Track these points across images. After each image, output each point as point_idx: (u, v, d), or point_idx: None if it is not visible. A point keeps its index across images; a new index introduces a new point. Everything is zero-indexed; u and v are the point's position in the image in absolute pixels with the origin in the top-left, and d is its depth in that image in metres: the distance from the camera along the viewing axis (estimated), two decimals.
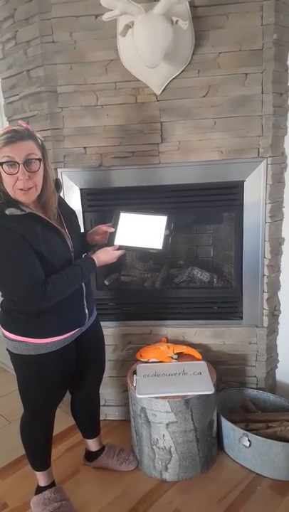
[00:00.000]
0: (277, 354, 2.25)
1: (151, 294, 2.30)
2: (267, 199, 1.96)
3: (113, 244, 1.58)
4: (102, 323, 1.83)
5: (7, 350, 1.56)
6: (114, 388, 2.24)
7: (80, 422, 1.94)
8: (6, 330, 1.52)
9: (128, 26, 1.64)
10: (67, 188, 2.01)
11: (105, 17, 1.63)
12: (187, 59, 1.81)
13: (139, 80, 1.86)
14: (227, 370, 2.16)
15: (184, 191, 1.99)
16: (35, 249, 1.38)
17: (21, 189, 1.36)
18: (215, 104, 1.86)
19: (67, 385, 1.71)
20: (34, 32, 1.87)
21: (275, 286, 2.14)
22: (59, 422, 1.82)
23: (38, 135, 1.42)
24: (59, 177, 1.98)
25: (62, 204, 1.61)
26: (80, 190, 2.04)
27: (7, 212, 1.35)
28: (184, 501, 1.77)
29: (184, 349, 2.05)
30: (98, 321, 1.78)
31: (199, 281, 2.34)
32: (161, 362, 2.01)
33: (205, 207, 2.07)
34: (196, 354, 2.04)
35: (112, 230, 1.61)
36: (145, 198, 2.02)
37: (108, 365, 2.00)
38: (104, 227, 1.65)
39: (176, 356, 2.03)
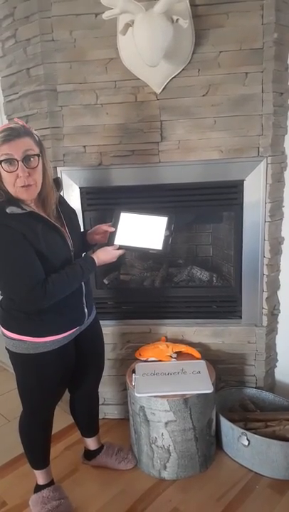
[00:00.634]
0: (277, 353, 2.26)
1: (150, 293, 2.30)
2: (267, 198, 1.96)
3: (113, 244, 1.58)
4: (102, 322, 1.83)
5: (6, 348, 1.56)
6: (113, 387, 2.25)
7: (78, 421, 1.95)
8: (5, 328, 1.52)
9: (128, 25, 1.63)
10: (67, 186, 2.01)
11: (105, 15, 1.63)
12: (187, 58, 1.80)
13: (139, 79, 1.86)
14: (226, 369, 2.16)
15: (183, 190, 1.99)
16: (35, 248, 1.38)
17: (22, 186, 1.36)
18: (215, 103, 1.86)
19: (67, 384, 1.71)
20: (34, 30, 1.87)
21: (274, 286, 2.14)
22: (58, 421, 1.82)
23: (34, 132, 1.42)
24: (58, 176, 1.98)
25: (63, 203, 1.61)
26: (80, 189, 2.03)
27: (8, 210, 1.35)
28: (183, 500, 1.77)
29: (183, 348, 2.05)
30: (97, 320, 1.78)
31: (199, 281, 2.34)
32: (160, 361, 2.01)
33: (205, 206, 2.07)
34: (195, 353, 2.04)
35: (113, 229, 1.61)
36: (145, 197, 2.02)
37: (107, 363, 2.00)
38: (104, 227, 1.65)
39: (175, 355, 2.03)
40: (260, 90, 1.83)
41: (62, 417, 2.08)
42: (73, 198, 2.03)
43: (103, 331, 1.83)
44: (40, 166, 1.40)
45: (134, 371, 1.96)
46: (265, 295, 2.08)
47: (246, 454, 1.88)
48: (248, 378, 2.19)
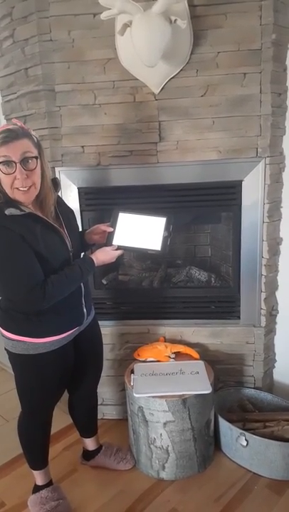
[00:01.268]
0: (275, 354, 2.26)
1: (149, 294, 2.29)
2: (265, 199, 1.96)
3: (112, 244, 1.58)
4: (100, 323, 1.83)
5: (5, 349, 1.56)
6: (111, 387, 2.25)
7: (77, 421, 1.95)
8: (4, 329, 1.52)
9: (126, 25, 1.63)
10: (65, 187, 2.01)
11: (103, 16, 1.62)
12: (185, 58, 1.80)
13: (137, 79, 1.86)
14: (224, 369, 2.16)
15: (181, 191, 1.99)
16: (34, 250, 1.37)
17: (20, 189, 1.36)
18: (213, 103, 1.86)
19: (66, 385, 1.71)
20: (32, 30, 1.87)
21: (272, 286, 2.14)
22: (56, 421, 1.82)
23: (33, 133, 1.42)
24: (57, 176, 1.98)
25: (61, 203, 1.61)
26: (78, 189, 2.03)
27: (6, 212, 1.34)
28: (181, 500, 1.78)
29: (181, 348, 2.05)
30: (96, 320, 1.78)
31: (197, 281, 2.34)
32: (158, 361, 2.01)
33: (203, 206, 2.07)
34: (194, 353, 2.04)
35: (111, 229, 1.60)
36: (143, 197, 2.02)
37: (106, 364, 1.99)
38: (102, 227, 1.64)
39: (173, 355, 2.03)
40: (259, 91, 1.83)
41: (61, 418, 2.08)
42: (71, 198, 2.03)
43: (102, 332, 1.83)
44: (38, 168, 1.39)
45: (132, 371, 1.96)
46: (263, 295, 2.08)
47: (245, 455, 1.89)
48: (247, 379, 2.20)
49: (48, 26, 1.84)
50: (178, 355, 2.05)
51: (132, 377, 1.91)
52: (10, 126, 1.35)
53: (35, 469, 1.76)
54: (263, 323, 2.11)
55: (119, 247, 1.58)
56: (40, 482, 1.76)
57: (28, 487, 1.80)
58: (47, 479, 1.78)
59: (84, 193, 2.05)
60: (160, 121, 1.91)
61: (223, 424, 1.95)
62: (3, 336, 1.53)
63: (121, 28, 1.64)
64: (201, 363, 1.98)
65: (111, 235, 1.60)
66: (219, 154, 1.91)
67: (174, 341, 2.13)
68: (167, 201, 2.02)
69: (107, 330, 2.14)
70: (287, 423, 1.92)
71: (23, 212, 1.38)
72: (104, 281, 2.34)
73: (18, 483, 1.91)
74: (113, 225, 1.61)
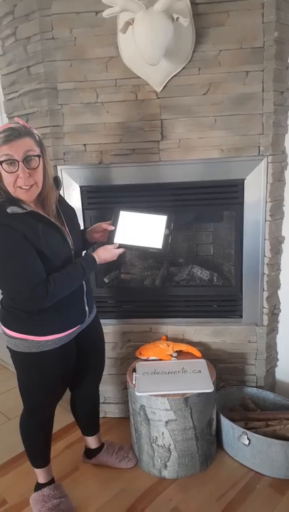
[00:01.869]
0: (277, 353, 2.26)
1: (151, 292, 2.29)
2: (267, 197, 1.95)
3: (113, 243, 1.58)
4: (102, 321, 1.83)
5: (7, 347, 1.56)
6: (113, 386, 2.25)
7: (79, 420, 1.95)
8: (6, 328, 1.52)
9: (128, 23, 1.63)
10: (67, 185, 2.01)
11: (106, 14, 1.62)
12: (188, 56, 1.80)
13: (139, 77, 1.85)
14: (227, 368, 2.16)
15: (184, 189, 1.99)
16: (36, 248, 1.37)
17: (22, 187, 1.36)
18: (215, 102, 1.86)
19: (68, 383, 1.71)
20: (34, 28, 1.87)
21: (275, 285, 2.13)
22: (58, 419, 1.83)
23: (35, 131, 1.42)
24: (59, 174, 1.98)
25: (62, 202, 1.61)
26: (80, 187, 2.03)
27: (9, 210, 1.34)
28: (183, 499, 1.78)
29: (183, 347, 2.05)
30: (98, 319, 1.78)
31: (199, 280, 2.33)
32: (160, 360, 2.02)
33: (205, 205, 2.06)
34: (196, 352, 2.04)
35: (112, 228, 1.60)
36: (145, 196, 2.02)
37: (108, 362, 2.00)
38: (103, 225, 1.64)
39: (175, 354, 2.04)
40: (261, 89, 1.82)
41: (62, 416, 2.08)
42: (73, 196, 2.03)
43: (104, 330, 1.83)
44: (40, 167, 1.39)
45: (134, 370, 1.96)
46: (265, 294, 2.08)
47: (247, 454, 1.88)
48: (249, 377, 2.19)
49: (50, 24, 1.84)
50: (180, 354, 2.05)
51: (133, 375, 1.91)
52: (12, 125, 1.35)
53: (37, 467, 1.76)
54: (265, 322, 2.11)
55: (120, 246, 1.58)
56: (42, 480, 1.77)
57: (30, 485, 1.81)
58: (49, 477, 1.78)
59: (86, 192, 2.05)
60: (162, 119, 1.91)
61: (225, 423, 1.94)
62: (6, 334, 1.53)
63: (123, 26, 1.64)
64: (203, 361, 1.98)
65: (112, 233, 1.60)
66: (221, 153, 1.91)
67: (176, 340, 2.13)
68: (169, 200, 2.02)
69: (109, 328, 2.14)
70: None
71: (25, 211, 1.38)
72: (106, 280, 2.34)
73: (20, 481, 1.92)
74: (114, 224, 1.60)
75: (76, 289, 1.52)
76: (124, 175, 1.99)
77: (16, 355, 1.55)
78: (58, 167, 1.99)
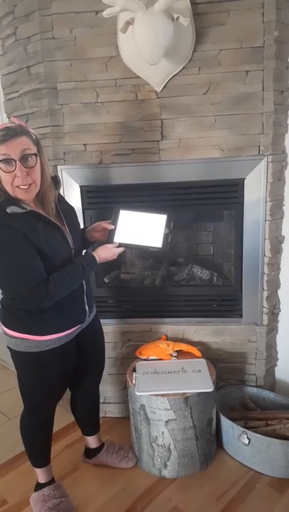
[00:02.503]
0: (277, 352, 2.26)
1: (151, 292, 2.29)
2: (267, 197, 1.95)
3: (113, 242, 1.58)
4: (102, 321, 1.83)
5: (7, 347, 1.56)
6: (113, 385, 2.25)
7: (79, 419, 1.95)
8: (6, 327, 1.52)
9: (128, 23, 1.63)
10: (67, 185, 2.01)
11: (106, 13, 1.62)
12: (188, 56, 1.80)
13: (139, 77, 1.85)
14: (226, 367, 2.16)
15: (184, 189, 1.99)
16: (36, 247, 1.38)
17: (21, 187, 1.36)
18: (215, 101, 1.86)
19: (68, 383, 1.71)
20: (34, 28, 1.87)
21: (274, 285, 2.13)
22: (58, 419, 1.82)
23: (31, 130, 1.42)
24: (59, 174, 1.98)
25: (62, 201, 1.61)
26: (80, 187, 2.03)
27: (8, 210, 1.34)
28: (183, 498, 1.78)
29: (183, 347, 2.05)
30: (98, 318, 1.78)
31: (199, 279, 2.33)
32: (160, 359, 2.02)
33: (205, 205, 2.06)
34: (196, 352, 2.04)
35: (112, 227, 1.60)
36: (145, 196, 2.02)
37: (108, 362, 2.00)
38: (103, 224, 1.64)
39: (175, 354, 2.04)
40: (261, 88, 1.82)
41: (62, 416, 2.08)
42: (74, 196, 2.03)
43: (104, 330, 1.83)
44: (38, 165, 1.39)
45: (134, 370, 1.96)
46: (265, 294, 2.08)
47: (247, 453, 1.88)
48: (249, 377, 2.19)
49: (50, 24, 1.84)
50: (180, 354, 2.05)
51: (134, 375, 1.91)
52: (8, 125, 1.35)
53: (37, 467, 1.76)
54: (265, 322, 2.11)
55: (120, 245, 1.58)
56: (42, 480, 1.77)
57: (30, 485, 1.81)
58: (49, 477, 1.78)
59: (86, 192, 2.05)
60: (162, 119, 1.91)
61: (225, 423, 1.95)
62: (6, 333, 1.53)
63: (123, 26, 1.64)
64: (203, 361, 1.98)
65: (112, 232, 1.60)
66: (221, 152, 1.91)
67: (175, 340, 2.13)
68: (169, 199, 2.02)
69: (109, 328, 2.14)
70: None
71: (24, 210, 1.38)
72: (106, 280, 2.34)
73: (20, 481, 1.92)
74: (114, 223, 1.60)
75: (76, 288, 1.52)
76: (124, 175, 1.99)
77: (16, 355, 1.55)
78: (58, 167, 1.99)
